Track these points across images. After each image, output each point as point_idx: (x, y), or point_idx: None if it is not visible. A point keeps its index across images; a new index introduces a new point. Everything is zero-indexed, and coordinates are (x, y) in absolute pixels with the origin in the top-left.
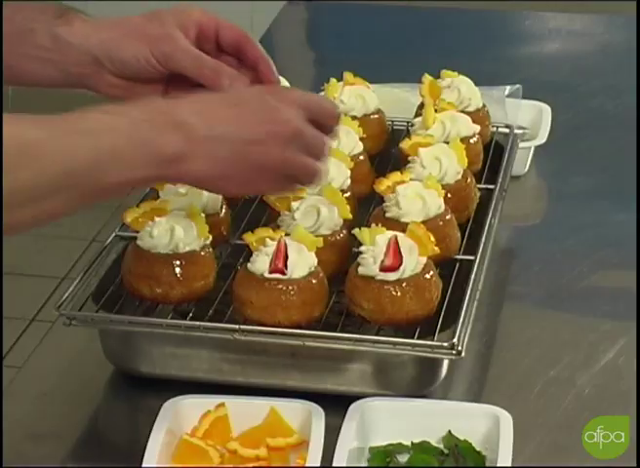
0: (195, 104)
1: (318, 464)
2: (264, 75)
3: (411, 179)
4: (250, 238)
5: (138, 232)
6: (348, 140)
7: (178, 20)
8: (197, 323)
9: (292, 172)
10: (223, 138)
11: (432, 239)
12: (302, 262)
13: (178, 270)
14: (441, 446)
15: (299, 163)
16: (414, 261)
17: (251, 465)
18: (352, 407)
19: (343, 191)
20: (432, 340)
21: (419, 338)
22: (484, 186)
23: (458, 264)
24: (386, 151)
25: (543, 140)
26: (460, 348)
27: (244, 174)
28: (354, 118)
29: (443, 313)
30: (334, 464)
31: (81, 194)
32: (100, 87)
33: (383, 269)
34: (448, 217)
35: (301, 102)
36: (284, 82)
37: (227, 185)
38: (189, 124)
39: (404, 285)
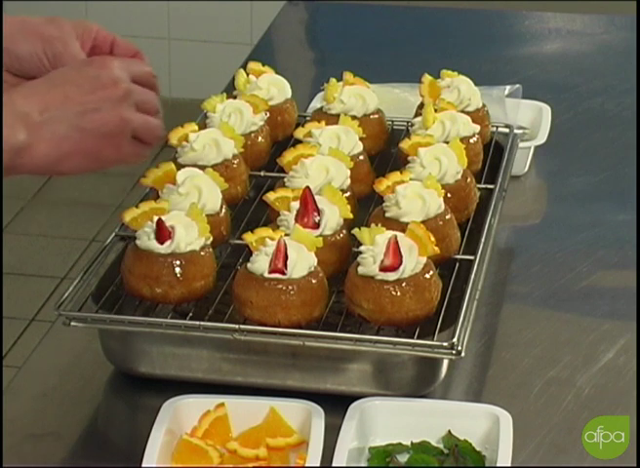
0: (25, 92)
1: (318, 464)
2: None
3: (411, 179)
4: (250, 238)
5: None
6: (348, 140)
7: (75, 30)
8: (197, 322)
9: (133, 132)
10: (58, 118)
11: (432, 239)
12: (302, 262)
13: (177, 270)
14: (441, 445)
15: (138, 120)
16: (413, 261)
17: (251, 465)
18: (352, 406)
19: (343, 191)
20: (432, 340)
21: (418, 338)
22: (484, 186)
23: (457, 264)
24: (386, 151)
25: (543, 140)
26: (459, 348)
27: (87, 145)
28: (354, 118)
29: (443, 313)
30: (334, 464)
31: None
32: None
33: (383, 269)
34: (448, 217)
35: (122, 66)
36: (282, 83)
37: (75, 163)
38: (25, 113)
39: (404, 285)
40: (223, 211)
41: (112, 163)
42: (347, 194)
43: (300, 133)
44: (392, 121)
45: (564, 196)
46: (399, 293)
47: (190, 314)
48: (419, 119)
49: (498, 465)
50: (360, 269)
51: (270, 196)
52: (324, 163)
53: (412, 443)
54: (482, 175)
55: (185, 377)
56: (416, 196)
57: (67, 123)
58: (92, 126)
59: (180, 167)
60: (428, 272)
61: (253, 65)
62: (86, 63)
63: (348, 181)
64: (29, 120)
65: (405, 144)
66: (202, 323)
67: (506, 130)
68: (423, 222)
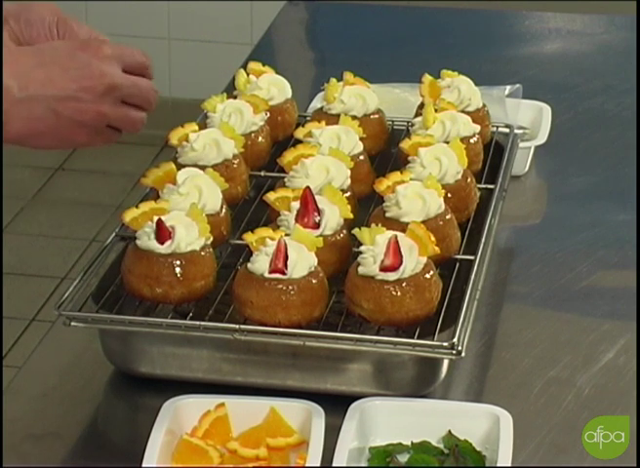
0: (14, 65)
1: (318, 464)
2: None
3: (411, 179)
4: (250, 238)
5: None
6: (348, 140)
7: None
8: (197, 323)
9: (112, 123)
10: (36, 98)
11: (432, 239)
12: (302, 262)
13: (178, 270)
14: (441, 446)
15: (117, 114)
16: (414, 261)
17: (251, 465)
18: (352, 407)
19: (343, 191)
20: (432, 340)
21: (419, 338)
22: (484, 186)
23: (457, 264)
24: (386, 151)
25: (543, 140)
26: (459, 348)
27: (60, 129)
28: (354, 118)
29: (443, 313)
30: (334, 464)
31: None
32: None
33: (383, 269)
34: (448, 217)
35: (115, 55)
36: (283, 83)
37: (46, 142)
38: (5, 87)
39: (404, 285)
40: (224, 211)
41: (83, 146)
42: (347, 194)
43: (300, 133)
44: (392, 121)
45: (564, 196)
46: (399, 293)
47: (190, 314)
48: (419, 119)
49: (498, 465)
50: (360, 269)
51: (270, 196)
52: (324, 163)
53: (412, 443)
54: (482, 175)
55: (186, 377)
56: (416, 196)
57: (45, 105)
58: (67, 113)
59: (180, 167)
60: (429, 272)
61: (253, 65)
62: (80, 47)
63: (348, 181)
64: (8, 96)
65: (405, 144)
66: (202, 323)
67: (507, 130)
68: (424, 222)
